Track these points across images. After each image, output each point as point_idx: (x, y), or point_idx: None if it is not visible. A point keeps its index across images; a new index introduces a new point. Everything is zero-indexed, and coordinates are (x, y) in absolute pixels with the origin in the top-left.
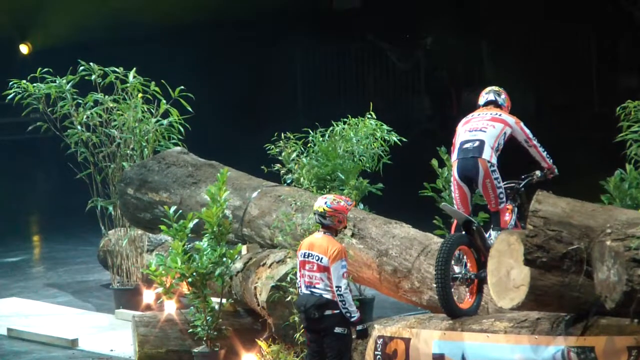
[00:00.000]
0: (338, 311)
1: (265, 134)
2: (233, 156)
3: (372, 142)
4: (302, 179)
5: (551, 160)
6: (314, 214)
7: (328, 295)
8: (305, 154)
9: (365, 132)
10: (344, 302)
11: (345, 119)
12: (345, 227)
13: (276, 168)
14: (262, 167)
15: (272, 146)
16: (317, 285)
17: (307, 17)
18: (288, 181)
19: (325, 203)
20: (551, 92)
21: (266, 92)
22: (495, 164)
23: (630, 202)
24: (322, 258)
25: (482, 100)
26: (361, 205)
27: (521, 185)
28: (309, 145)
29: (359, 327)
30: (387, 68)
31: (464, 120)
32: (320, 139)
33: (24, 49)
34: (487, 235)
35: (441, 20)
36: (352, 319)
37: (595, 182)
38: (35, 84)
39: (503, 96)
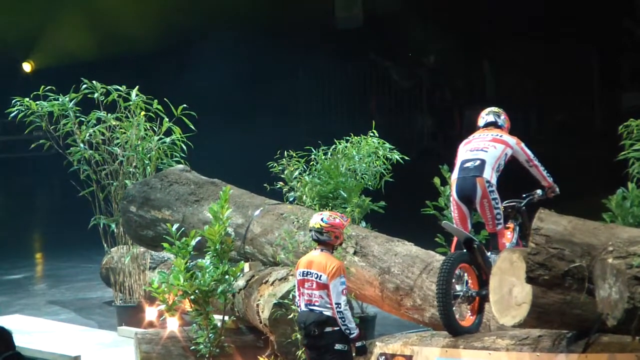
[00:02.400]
0: (338, 328)
1: (267, 151)
2: (235, 173)
3: (374, 160)
4: (304, 197)
5: (552, 179)
6: (310, 230)
7: (328, 312)
8: (307, 172)
9: (368, 150)
10: (343, 319)
11: (347, 137)
12: (341, 244)
13: (279, 186)
14: (265, 185)
15: (275, 164)
16: (316, 303)
17: (310, 36)
18: (290, 199)
19: (322, 219)
20: (553, 110)
21: (268, 110)
22: (495, 184)
23: (632, 220)
24: (320, 276)
25: (481, 121)
26: (363, 223)
27: (522, 204)
28: (311, 163)
29: (358, 344)
30: (390, 86)
31: (464, 141)
32: (323, 157)
33: (26, 67)
34: (488, 254)
35: (443, 38)
36: (351, 336)
37: (597, 201)
38: (38, 102)
39: (503, 117)
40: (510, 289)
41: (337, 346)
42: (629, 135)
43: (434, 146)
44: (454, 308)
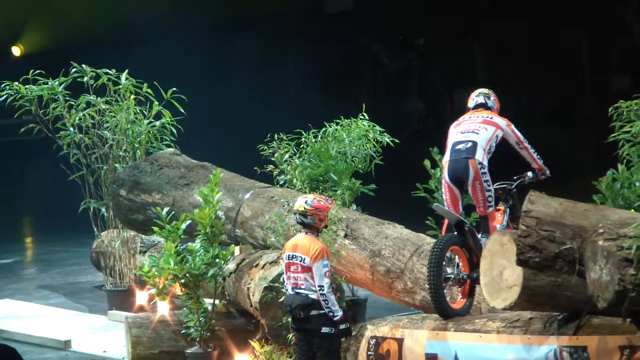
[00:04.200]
0: (324, 311)
1: (257, 134)
2: (225, 157)
3: (364, 143)
4: (294, 180)
5: (542, 161)
6: (294, 213)
7: (313, 296)
8: (297, 155)
9: (358, 133)
10: (326, 301)
11: (338, 120)
12: (326, 226)
13: (269, 169)
14: (255, 168)
15: (265, 147)
16: (302, 286)
17: (300, 19)
18: (281, 182)
19: (306, 202)
20: (543, 93)
21: (258, 93)
22: (486, 166)
23: (623, 202)
24: (304, 259)
25: (471, 103)
26: (354, 206)
27: (513, 186)
28: (301, 146)
29: (342, 326)
30: (380, 69)
31: (455, 122)
32: (313, 140)
33: (16, 51)
34: (479, 236)
35: (434, 21)
36: (335, 318)
37: (587, 183)
38: (27, 86)
39: (493, 98)
40: (500, 272)
41: (324, 329)
42: (618, 117)
43: (425, 129)
44: (444, 291)
